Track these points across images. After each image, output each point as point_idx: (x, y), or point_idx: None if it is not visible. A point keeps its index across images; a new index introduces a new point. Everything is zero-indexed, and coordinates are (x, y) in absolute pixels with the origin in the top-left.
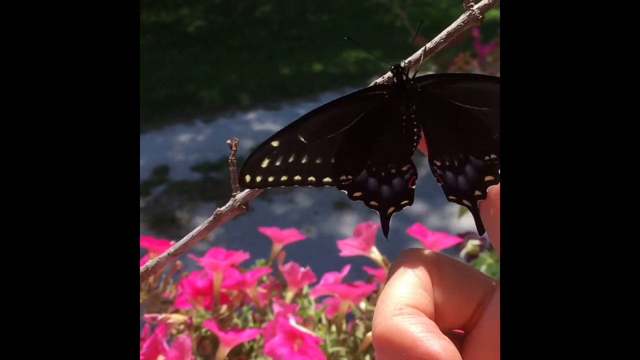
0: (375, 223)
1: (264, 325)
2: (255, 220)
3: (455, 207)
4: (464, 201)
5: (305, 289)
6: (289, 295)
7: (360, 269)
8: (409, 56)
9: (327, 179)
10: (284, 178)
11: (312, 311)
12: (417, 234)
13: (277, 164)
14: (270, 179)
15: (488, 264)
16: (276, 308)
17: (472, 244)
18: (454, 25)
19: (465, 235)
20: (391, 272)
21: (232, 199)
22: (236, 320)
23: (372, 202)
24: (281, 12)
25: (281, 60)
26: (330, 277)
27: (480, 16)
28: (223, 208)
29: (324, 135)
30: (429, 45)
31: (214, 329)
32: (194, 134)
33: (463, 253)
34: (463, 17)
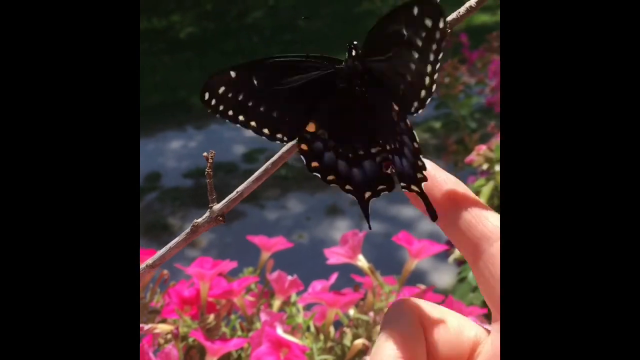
0: (362, 231)
1: (251, 334)
2: (247, 225)
3: None
4: (413, 187)
5: (294, 297)
6: (277, 303)
7: (349, 275)
8: None
9: (279, 135)
10: (241, 118)
11: (300, 319)
12: (402, 242)
13: (230, 95)
14: (228, 111)
15: None
16: (263, 317)
17: None
18: None
19: None
20: (384, 325)
21: (208, 210)
22: (224, 329)
23: (347, 187)
24: (273, 18)
25: None
26: (317, 285)
27: (449, 30)
28: (200, 220)
29: (277, 86)
30: None
31: (200, 339)
32: (186, 141)
33: (451, 259)
34: None
